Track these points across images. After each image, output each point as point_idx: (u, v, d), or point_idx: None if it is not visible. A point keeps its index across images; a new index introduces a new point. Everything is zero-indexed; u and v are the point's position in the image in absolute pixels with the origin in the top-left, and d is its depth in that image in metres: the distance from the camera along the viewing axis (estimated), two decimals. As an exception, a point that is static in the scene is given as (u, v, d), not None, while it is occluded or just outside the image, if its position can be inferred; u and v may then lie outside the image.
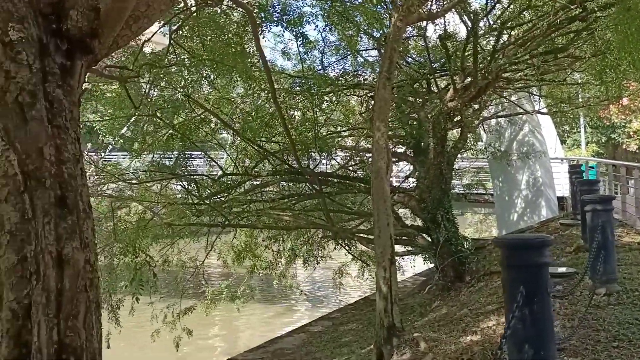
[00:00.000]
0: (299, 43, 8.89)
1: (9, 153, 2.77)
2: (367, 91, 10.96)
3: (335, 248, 12.54)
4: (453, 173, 10.68)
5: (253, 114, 10.46)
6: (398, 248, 10.90)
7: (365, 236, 10.38)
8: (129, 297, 9.59)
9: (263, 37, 8.45)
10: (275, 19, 8.19)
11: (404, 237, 10.43)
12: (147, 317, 10.10)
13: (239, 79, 9.68)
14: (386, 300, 5.79)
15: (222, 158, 12.49)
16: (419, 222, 10.75)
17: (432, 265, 10.59)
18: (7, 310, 2.72)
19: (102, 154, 10.68)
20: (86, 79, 3.59)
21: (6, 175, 2.78)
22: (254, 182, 10.48)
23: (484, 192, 15.97)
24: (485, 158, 14.96)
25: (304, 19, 8.69)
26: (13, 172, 2.78)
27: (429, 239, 9.76)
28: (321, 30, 9.65)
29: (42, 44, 2.93)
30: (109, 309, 9.10)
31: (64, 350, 2.66)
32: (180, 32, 8.42)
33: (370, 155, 7.09)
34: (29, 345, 2.66)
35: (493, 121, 13.91)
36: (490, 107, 12.85)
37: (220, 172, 10.61)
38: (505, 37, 9.48)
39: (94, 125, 11.71)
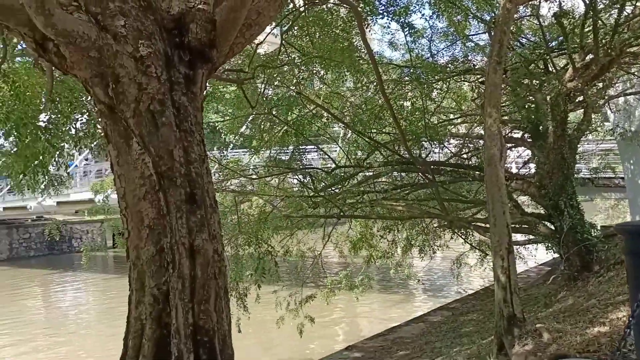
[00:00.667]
0: (405, 33, 8.85)
1: (144, 156, 3.14)
2: (479, 76, 10.61)
3: (451, 237, 12.33)
4: (577, 157, 10.01)
5: (363, 106, 10.59)
6: (518, 237, 10.50)
7: (483, 225, 10.10)
8: (254, 285, 10.17)
9: (369, 30, 8.52)
10: (381, 12, 8.22)
11: (524, 226, 10.00)
12: (272, 304, 10.62)
13: (347, 73, 9.86)
14: (505, 290, 5.65)
15: (335, 151, 12.76)
16: (540, 210, 10.25)
17: (556, 254, 10.04)
18: (149, 295, 3.10)
19: (225, 152, 11.38)
20: (207, 84, 3.91)
21: (143, 176, 3.16)
22: (367, 174, 10.60)
23: (614, 175, 14.74)
24: (614, 139, 13.80)
25: (410, 8, 8.63)
26: (149, 173, 3.14)
27: (552, 227, 9.27)
28: (428, 18, 9.50)
29: (167, 56, 3.27)
30: (237, 297, 9.69)
31: (199, 332, 2.97)
32: (290, 32, 8.74)
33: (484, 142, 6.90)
34: (169, 327, 3.02)
35: (621, 99, 12.80)
36: (616, 85, 11.84)
37: (333, 165, 10.86)
38: (629, 9, 8.70)
39: (216, 125, 12.53)
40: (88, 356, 15.11)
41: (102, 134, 3.35)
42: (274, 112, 10.07)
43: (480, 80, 10.59)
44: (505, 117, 10.58)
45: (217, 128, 12.70)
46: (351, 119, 10.59)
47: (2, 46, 5.91)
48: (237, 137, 13.12)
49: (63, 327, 19.94)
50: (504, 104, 9.63)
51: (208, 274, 3.08)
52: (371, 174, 10.46)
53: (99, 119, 3.31)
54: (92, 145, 7.14)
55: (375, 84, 9.86)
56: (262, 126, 11.12)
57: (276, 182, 11.27)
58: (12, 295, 26.26)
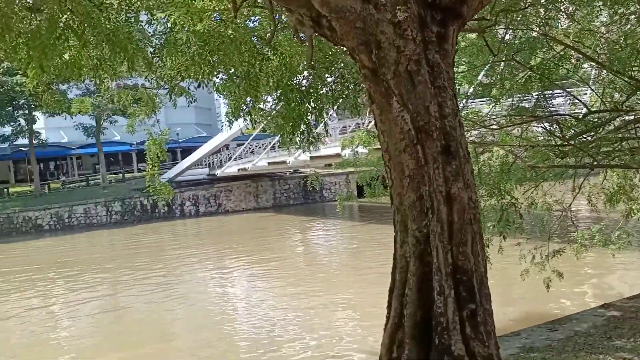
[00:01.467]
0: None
1: (403, 113, 3.48)
2: None
3: None
4: None
5: (621, 42, 9.43)
6: None
7: None
8: (495, 237, 10.12)
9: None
10: None
11: None
12: (515, 256, 10.48)
13: (601, 6, 8.87)
14: None
15: (585, 94, 11.68)
16: None
17: None
18: (411, 237, 3.49)
19: (464, 103, 11.32)
20: (457, 39, 4.04)
21: (403, 131, 3.51)
22: (626, 118, 9.51)
23: None
24: None
25: None
26: (407, 128, 3.49)
27: None
28: None
29: (421, 18, 3.52)
30: (480, 247, 9.75)
31: (458, 271, 3.27)
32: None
33: None
34: (430, 265, 3.38)
35: None
36: None
37: (584, 110, 9.99)
38: None
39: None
40: (343, 289, 16.95)
41: (367, 96, 3.78)
42: (516, 58, 9.62)
43: None
44: None
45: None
46: (606, 58, 9.53)
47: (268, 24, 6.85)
48: (475, 87, 12.89)
49: (319, 264, 22.63)
50: None
51: (464, 220, 3.33)
52: (632, 118, 9.34)
53: (364, 83, 3.73)
54: (346, 105, 7.84)
55: (637, 14, 8.69)
56: (502, 73, 10.73)
57: (518, 131, 10.84)
58: (278, 237, 30.65)
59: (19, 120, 44.31)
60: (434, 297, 3.29)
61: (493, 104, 11.53)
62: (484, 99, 13.13)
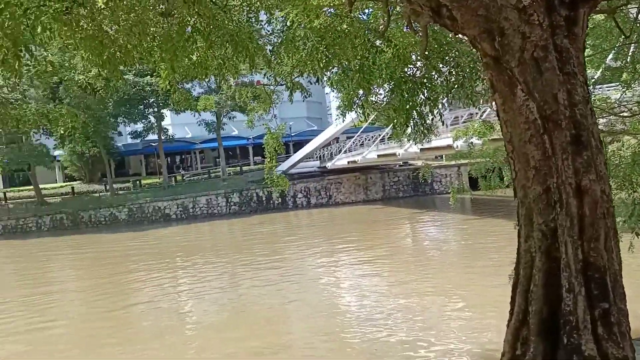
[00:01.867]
0: None
1: (529, 102, 3.35)
2: None
3: None
4: None
5: None
6: None
7: None
8: (625, 234, 9.37)
9: None
10: None
11: None
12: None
13: None
14: None
15: None
16: None
17: None
18: (537, 231, 3.35)
19: (590, 89, 10.57)
20: (588, 22, 3.79)
21: (528, 121, 3.38)
22: None
23: None
24: None
25: None
26: (533, 117, 3.34)
27: None
28: None
29: (548, 1, 3.34)
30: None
31: (589, 268, 3.09)
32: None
33: None
34: (558, 260, 3.22)
35: None
36: None
37: None
38: None
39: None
40: (456, 284, 16.57)
41: (488, 85, 3.67)
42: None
43: None
44: None
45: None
46: None
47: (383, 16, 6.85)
48: (602, 71, 12.04)
49: (430, 258, 22.28)
50: None
51: (597, 214, 3.14)
52: None
53: (485, 72, 3.63)
54: (460, 94, 7.63)
55: None
56: (634, 56, 9.94)
57: (654, 118, 9.95)
58: (388, 229, 30.62)
59: (149, 118, 48.15)
60: (562, 294, 3.14)
61: (623, 89, 10.70)
62: (613, 84, 12.22)
